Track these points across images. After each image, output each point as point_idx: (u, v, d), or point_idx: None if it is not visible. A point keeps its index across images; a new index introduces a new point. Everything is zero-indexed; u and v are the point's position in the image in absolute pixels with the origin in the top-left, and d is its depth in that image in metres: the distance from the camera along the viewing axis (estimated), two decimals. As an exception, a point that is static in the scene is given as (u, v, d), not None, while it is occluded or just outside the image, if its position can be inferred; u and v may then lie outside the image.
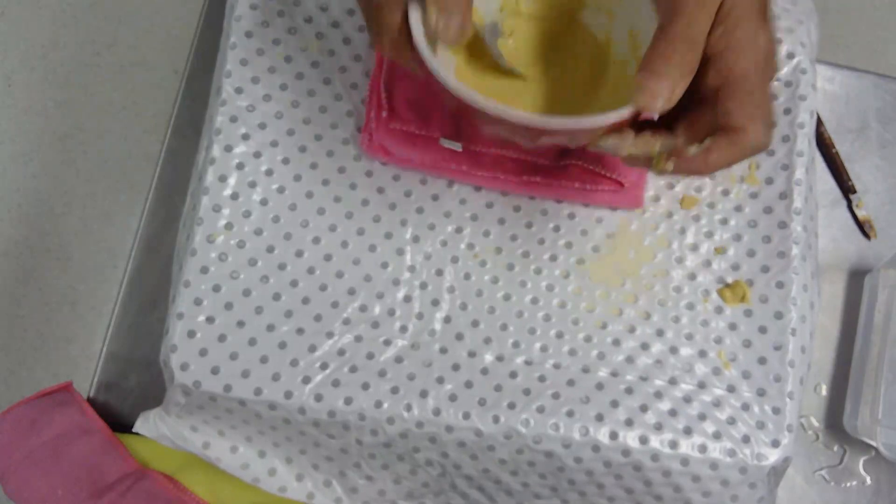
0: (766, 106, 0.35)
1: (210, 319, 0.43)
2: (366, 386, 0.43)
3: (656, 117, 0.36)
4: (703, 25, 0.34)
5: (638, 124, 0.37)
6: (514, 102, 0.41)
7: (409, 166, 0.46)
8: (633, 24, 0.42)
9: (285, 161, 0.45)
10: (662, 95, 0.34)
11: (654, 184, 0.47)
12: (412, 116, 0.45)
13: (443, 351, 0.44)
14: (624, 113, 0.35)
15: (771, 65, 0.36)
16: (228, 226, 0.44)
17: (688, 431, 0.43)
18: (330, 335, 0.43)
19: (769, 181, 0.47)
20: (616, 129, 0.36)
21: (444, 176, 0.46)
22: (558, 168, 0.46)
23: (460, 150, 0.45)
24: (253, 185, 0.45)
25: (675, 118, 0.37)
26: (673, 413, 0.43)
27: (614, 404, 0.43)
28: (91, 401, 0.51)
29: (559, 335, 0.45)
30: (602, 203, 0.46)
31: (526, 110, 0.37)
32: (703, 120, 0.36)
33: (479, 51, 0.43)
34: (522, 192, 0.46)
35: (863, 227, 0.56)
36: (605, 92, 0.43)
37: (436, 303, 0.45)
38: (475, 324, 0.44)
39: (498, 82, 0.44)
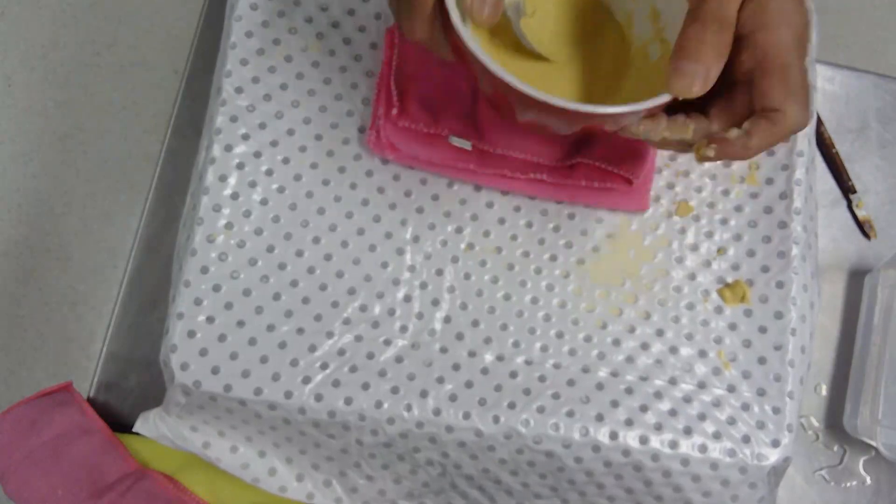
0: (803, 84, 0.35)
1: (210, 319, 0.43)
2: (366, 386, 0.43)
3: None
4: (735, 3, 0.34)
5: (671, 107, 0.37)
6: (541, 85, 0.41)
7: (415, 164, 0.46)
8: (655, 2, 0.42)
9: (285, 161, 0.45)
10: (699, 79, 0.34)
11: (654, 184, 0.47)
12: (422, 114, 0.45)
13: (443, 351, 0.44)
14: (662, 99, 0.35)
15: (806, 39, 0.35)
16: (228, 226, 0.44)
17: (688, 431, 0.43)
18: (330, 335, 0.43)
19: (769, 181, 0.47)
20: (649, 114, 0.36)
21: (451, 174, 0.46)
22: (566, 168, 0.46)
23: (469, 148, 0.45)
24: (253, 184, 0.45)
25: (708, 100, 0.36)
26: (673, 413, 0.44)
27: (614, 404, 0.43)
28: (91, 401, 0.51)
29: (559, 335, 0.45)
30: (608, 206, 0.46)
31: (555, 94, 0.37)
32: (738, 102, 0.36)
33: (501, 31, 0.43)
34: (530, 190, 0.46)
35: (863, 227, 0.56)
36: (631, 74, 0.43)
37: (436, 302, 0.45)
38: (475, 323, 0.44)
39: (523, 64, 0.43)
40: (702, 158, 0.36)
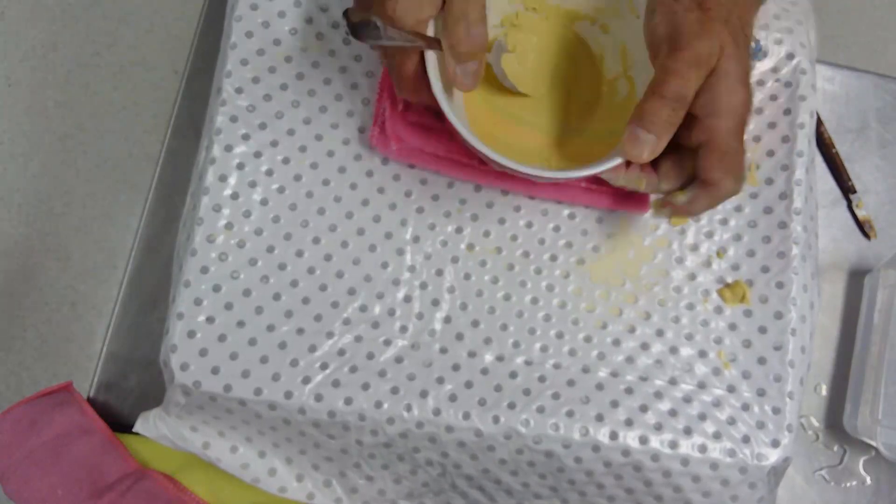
0: (738, 163, 0.42)
1: (210, 319, 0.43)
2: (366, 386, 0.43)
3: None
4: (694, 85, 0.39)
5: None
6: (520, 116, 0.46)
7: (420, 158, 0.45)
8: (625, 39, 0.46)
9: (285, 161, 0.45)
10: (648, 147, 0.40)
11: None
12: (425, 111, 0.45)
13: (443, 351, 0.44)
14: (613, 163, 0.40)
15: (745, 123, 0.41)
16: (228, 226, 0.44)
17: (688, 431, 0.43)
18: (330, 335, 0.43)
19: (769, 181, 0.47)
20: (609, 170, 0.42)
21: (454, 171, 0.46)
22: None
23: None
24: (253, 184, 0.45)
25: (661, 157, 0.42)
26: (673, 413, 0.44)
27: (614, 404, 0.43)
28: (91, 401, 0.51)
29: (559, 335, 0.45)
30: (610, 207, 0.46)
31: (532, 125, 0.44)
32: (685, 164, 0.43)
33: (487, 72, 0.45)
34: (532, 191, 0.46)
35: (863, 227, 0.56)
36: (601, 108, 0.47)
37: (436, 303, 0.45)
38: (475, 324, 0.44)
39: (504, 99, 0.46)
40: (659, 216, 0.47)
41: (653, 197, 0.47)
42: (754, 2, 0.44)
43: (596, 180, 0.45)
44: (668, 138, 0.40)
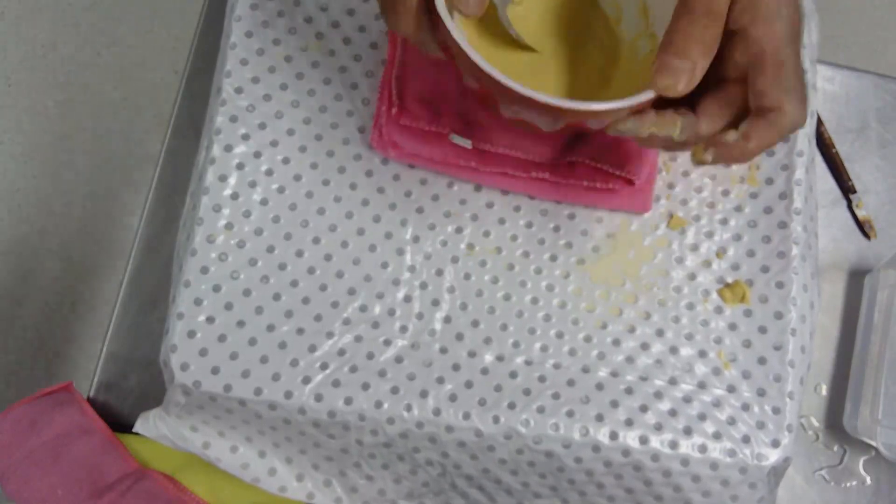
0: (799, 79, 0.33)
1: (210, 319, 0.43)
2: (366, 386, 0.43)
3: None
4: None
5: (659, 101, 0.35)
6: (528, 78, 0.41)
7: (417, 162, 0.45)
8: None
9: (285, 161, 0.45)
10: (684, 76, 0.33)
11: (654, 184, 0.47)
12: (423, 113, 0.45)
13: (443, 351, 0.44)
14: (645, 97, 0.34)
15: (798, 32, 0.34)
16: (228, 226, 0.44)
17: (688, 431, 0.43)
18: (330, 335, 0.43)
19: (769, 181, 0.47)
20: (637, 110, 0.35)
21: (452, 173, 0.46)
22: (567, 166, 0.46)
23: (470, 147, 0.45)
24: (253, 184, 0.45)
25: (698, 94, 0.35)
26: (673, 413, 0.44)
27: (614, 404, 0.43)
28: (91, 401, 0.51)
29: (559, 335, 0.45)
30: (611, 207, 0.46)
31: (539, 88, 0.37)
32: (731, 98, 0.34)
33: (490, 23, 0.43)
34: (531, 190, 0.46)
35: (863, 227, 0.56)
36: (619, 70, 0.43)
37: (436, 303, 0.45)
38: (475, 324, 0.44)
39: (509, 55, 0.43)
40: (699, 162, 0.36)
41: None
42: None
43: (596, 179, 0.45)
44: (706, 63, 0.33)
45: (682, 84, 0.33)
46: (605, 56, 0.43)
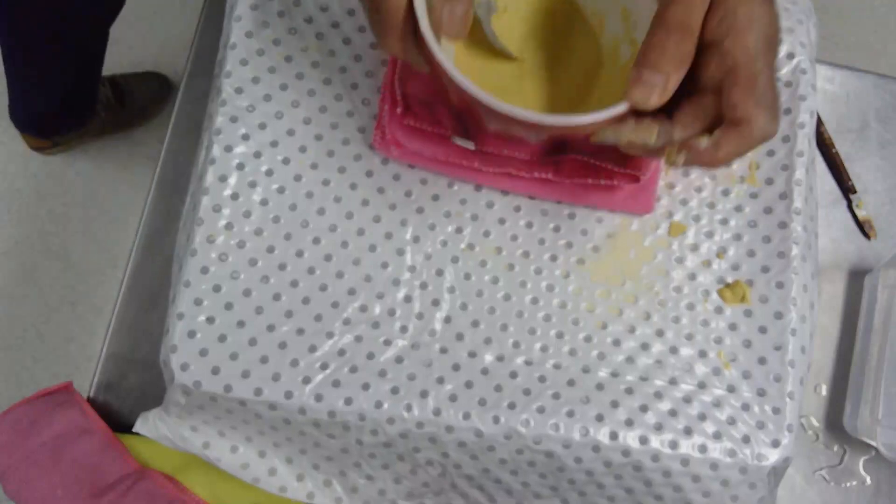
0: (771, 92, 0.34)
1: (210, 319, 0.43)
2: (366, 386, 0.43)
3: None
4: (701, 9, 0.34)
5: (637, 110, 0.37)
6: (512, 88, 0.42)
7: (420, 161, 0.45)
8: (625, 2, 0.42)
9: (285, 161, 0.45)
10: (657, 89, 0.34)
11: (657, 184, 0.47)
12: (425, 114, 0.45)
13: (443, 351, 0.44)
14: (619, 109, 0.35)
15: (774, 44, 0.34)
16: (228, 226, 0.44)
17: (688, 431, 0.43)
18: (330, 335, 0.43)
19: (769, 181, 0.47)
20: (615, 120, 0.36)
21: (454, 173, 0.46)
22: (570, 165, 0.45)
23: (473, 148, 0.45)
24: (253, 185, 0.45)
25: (675, 102, 0.36)
26: (673, 413, 0.44)
27: (614, 404, 0.43)
28: (91, 401, 0.51)
29: (559, 335, 0.45)
30: (613, 208, 0.46)
31: (525, 97, 0.38)
32: (705, 107, 0.35)
33: (476, 34, 0.43)
34: (534, 190, 0.46)
35: (863, 227, 0.56)
36: (602, 76, 0.44)
37: (436, 303, 0.45)
38: (475, 324, 0.44)
39: (495, 66, 0.44)
40: (671, 163, 0.37)
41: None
42: None
43: (600, 176, 0.45)
44: (678, 77, 0.34)
45: (654, 98, 0.34)
46: (587, 62, 0.44)
